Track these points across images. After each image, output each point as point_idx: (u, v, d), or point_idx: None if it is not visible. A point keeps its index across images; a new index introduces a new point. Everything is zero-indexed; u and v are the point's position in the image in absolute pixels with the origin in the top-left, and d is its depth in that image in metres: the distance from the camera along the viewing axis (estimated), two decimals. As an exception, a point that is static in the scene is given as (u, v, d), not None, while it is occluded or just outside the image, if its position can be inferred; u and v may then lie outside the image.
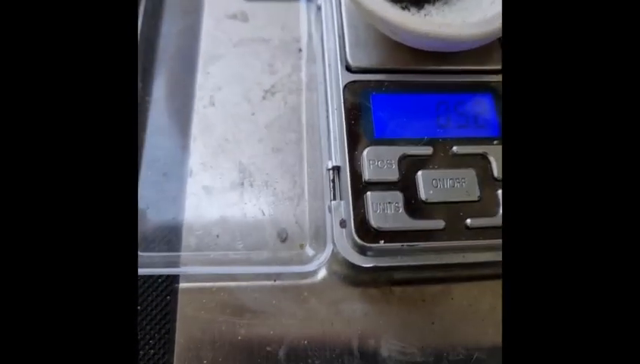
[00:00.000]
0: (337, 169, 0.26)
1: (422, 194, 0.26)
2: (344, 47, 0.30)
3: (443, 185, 0.26)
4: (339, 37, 0.30)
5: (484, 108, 0.28)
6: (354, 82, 0.29)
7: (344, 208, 0.26)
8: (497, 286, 0.27)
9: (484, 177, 0.26)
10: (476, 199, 0.26)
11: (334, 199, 0.26)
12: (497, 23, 0.26)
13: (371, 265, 0.25)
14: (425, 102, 0.28)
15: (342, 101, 0.28)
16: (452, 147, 0.27)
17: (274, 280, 0.26)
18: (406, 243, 0.25)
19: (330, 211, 0.26)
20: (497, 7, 0.27)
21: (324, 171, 0.27)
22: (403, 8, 0.28)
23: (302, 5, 0.35)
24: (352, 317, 0.26)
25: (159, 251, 0.27)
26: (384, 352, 0.25)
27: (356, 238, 0.25)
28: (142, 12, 0.34)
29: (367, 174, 0.26)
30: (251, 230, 0.28)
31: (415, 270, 0.27)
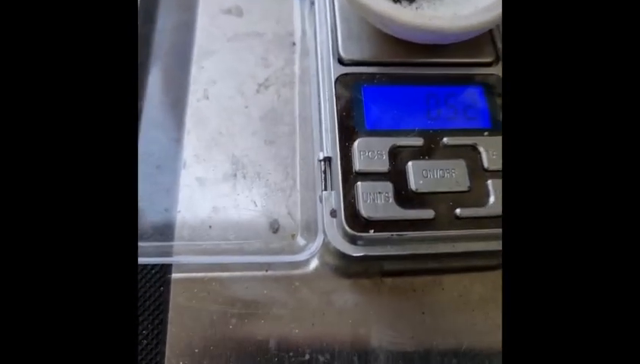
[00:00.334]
0: (328, 160, 0.27)
1: (412, 184, 0.26)
2: (337, 40, 0.30)
3: (434, 175, 0.26)
4: (332, 30, 0.30)
5: (474, 99, 0.28)
6: (346, 74, 0.29)
7: (335, 198, 0.26)
8: (487, 276, 0.27)
9: (474, 168, 0.26)
10: (466, 189, 0.26)
11: (325, 189, 0.26)
12: (488, 16, 0.26)
13: (361, 254, 0.25)
14: (416, 94, 0.28)
15: (334, 93, 0.28)
16: (442, 138, 0.27)
17: (266, 271, 0.27)
18: (395, 233, 0.25)
19: (321, 201, 0.26)
20: (488, 0, 0.27)
21: (316, 162, 0.27)
22: (395, 1, 0.28)
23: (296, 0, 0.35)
24: (344, 307, 0.26)
25: (153, 241, 0.27)
26: (375, 341, 0.25)
27: (347, 227, 0.25)
28: (138, 7, 0.34)
29: (358, 165, 0.26)
30: (243, 221, 0.28)
31: (406, 260, 0.27)
